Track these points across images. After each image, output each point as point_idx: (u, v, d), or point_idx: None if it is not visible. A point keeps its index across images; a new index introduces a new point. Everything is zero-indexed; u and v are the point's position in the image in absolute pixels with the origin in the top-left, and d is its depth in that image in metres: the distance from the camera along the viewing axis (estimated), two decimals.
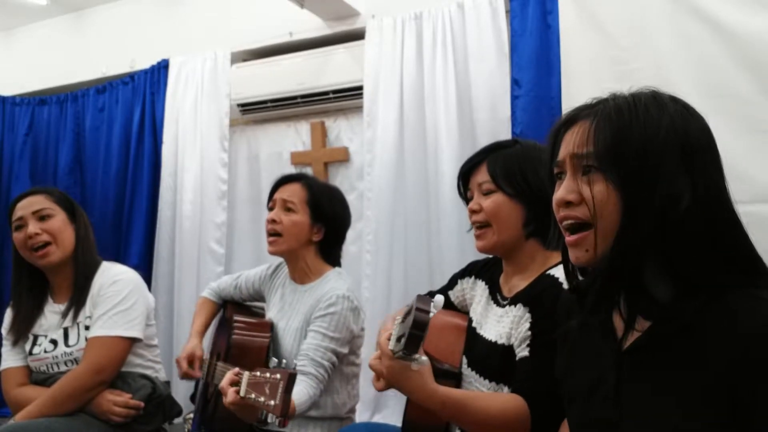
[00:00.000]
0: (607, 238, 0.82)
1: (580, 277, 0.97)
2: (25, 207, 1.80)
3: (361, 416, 2.51)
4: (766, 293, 0.76)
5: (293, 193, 1.81)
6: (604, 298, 0.87)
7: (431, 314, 1.02)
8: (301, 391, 1.54)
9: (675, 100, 0.85)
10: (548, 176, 0.93)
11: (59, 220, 1.80)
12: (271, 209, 1.84)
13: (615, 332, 0.90)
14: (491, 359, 1.28)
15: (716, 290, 0.79)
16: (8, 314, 1.88)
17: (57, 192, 1.89)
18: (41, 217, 1.79)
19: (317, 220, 1.81)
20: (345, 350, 1.72)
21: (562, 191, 0.87)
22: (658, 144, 0.79)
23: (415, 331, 1.01)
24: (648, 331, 0.84)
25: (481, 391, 1.29)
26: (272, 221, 1.79)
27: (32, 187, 1.98)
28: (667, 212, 0.79)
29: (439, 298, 1.06)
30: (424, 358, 1.06)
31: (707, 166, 0.81)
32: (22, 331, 1.81)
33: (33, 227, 1.76)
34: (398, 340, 1.06)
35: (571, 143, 0.86)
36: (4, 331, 1.87)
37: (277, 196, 1.83)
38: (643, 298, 0.83)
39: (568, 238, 0.87)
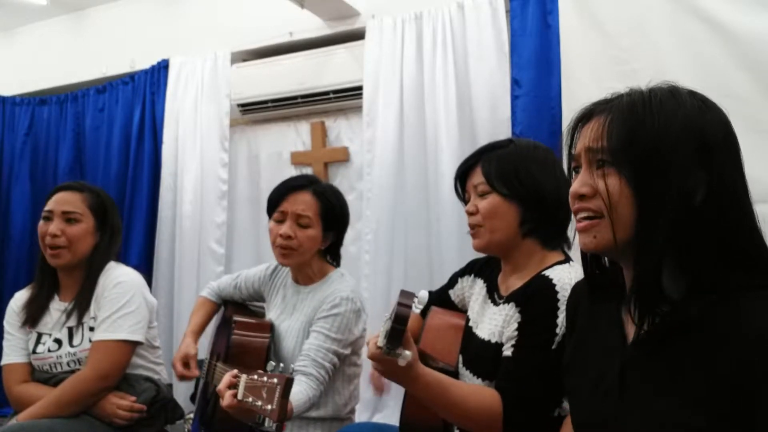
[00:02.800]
0: (620, 231, 0.83)
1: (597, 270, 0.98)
2: (58, 202, 1.81)
3: (360, 416, 2.51)
4: None
5: (308, 206, 1.72)
6: (641, 300, 0.85)
7: (413, 308, 1.02)
8: (301, 392, 1.53)
9: (693, 95, 0.85)
10: (567, 170, 0.94)
11: (83, 228, 1.80)
12: (278, 221, 1.74)
13: (622, 326, 0.90)
14: (484, 358, 1.29)
15: (727, 290, 0.78)
16: (21, 296, 1.88)
17: (97, 195, 1.86)
18: (68, 219, 1.79)
19: (329, 229, 1.78)
20: (347, 351, 1.71)
21: (576, 184, 0.88)
22: (671, 139, 0.79)
23: (397, 325, 1.02)
24: (655, 326, 0.83)
25: (467, 383, 1.30)
26: (287, 237, 1.70)
27: (77, 181, 1.96)
28: (681, 208, 0.79)
29: (423, 294, 1.07)
30: (408, 352, 1.07)
31: (724, 162, 0.81)
32: (33, 314, 1.81)
33: (55, 227, 1.77)
34: (385, 336, 1.07)
35: (586, 137, 0.87)
36: (9, 316, 1.85)
37: (289, 207, 1.72)
38: (654, 294, 0.83)
39: (578, 225, 0.88)
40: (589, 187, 0.85)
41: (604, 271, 0.97)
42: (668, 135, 0.80)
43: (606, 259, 0.97)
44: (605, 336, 0.93)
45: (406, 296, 1.04)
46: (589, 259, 0.97)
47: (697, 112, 0.82)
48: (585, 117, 0.90)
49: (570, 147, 0.92)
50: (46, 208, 1.82)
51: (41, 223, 1.81)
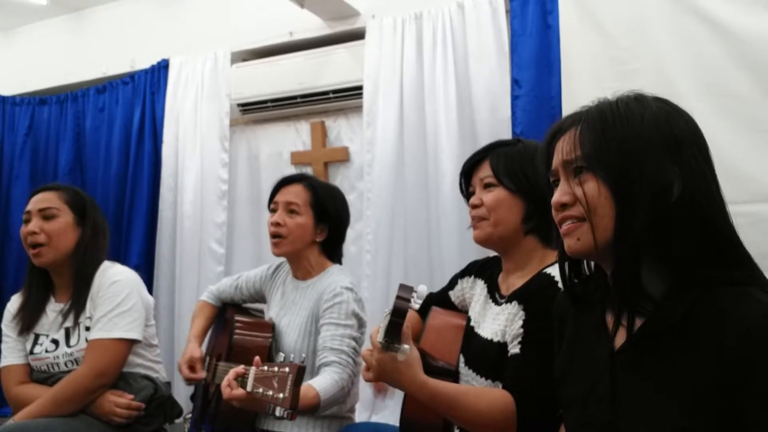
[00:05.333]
0: (602, 231, 0.84)
1: (576, 279, 0.99)
2: (34, 202, 1.83)
3: (360, 416, 2.51)
4: (754, 290, 0.77)
5: (297, 194, 1.80)
6: (623, 298, 0.86)
7: (412, 303, 1.03)
8: (325, 380, 1.54)
9: (658, 100, 0.88)
10: (546, 185, 0.96)
11: (62, 222, 1.81)
12: (273, 211, 1.83)
13: (608, 333, 0.91)
14: (487, 357, 1.29)
15: (707, 287, 0.80)
16: (15, 301, 1.88)
17: (73, 192, 1.88)
18: (45, 216, 1.80)
19: (321, 221, 1.81)
20: (359, 334, 1.73)
21: (557, 195, 0.90)
22: (641, 137, 0.82)
23: (395, 318, 1.02)
24: (640, 329, 0.84)
25: (472, 386, 1.30)
26: (276, 224, 1.79)
27: (53, 183, 1.99)
28: (658, 203, 0.81)
29: (422, 288, 1.07)
30: (406, 346, 1.06)
31: (695, 157, 0.83)
32: (26, 320, 1.81)
33: (33, 225, 1.78)
34: (384, 330, 1.07)
35: (560, 152, 0.90)
36: (7, 320, 1.85)
37: (280, 198, 1.82)
38: (636, 295, 0.84)
39: (562, 229, 0.90)
40: (570, 195, 0.88)
41: (583, 279, 0.99)
42: (639, 132, 0.83)
43: (586, 266, 0.98)
44: (593, 344, 0.94)
45: (405, 290, 1.05)
46: (567, 268, 0.98)
47: (663, 112, 0.85)
48: (557, 133, 0.92)
49: (547, 164, 0.94)
50: (25, 210, 1.83)
51: (22, 226, 1.82)
